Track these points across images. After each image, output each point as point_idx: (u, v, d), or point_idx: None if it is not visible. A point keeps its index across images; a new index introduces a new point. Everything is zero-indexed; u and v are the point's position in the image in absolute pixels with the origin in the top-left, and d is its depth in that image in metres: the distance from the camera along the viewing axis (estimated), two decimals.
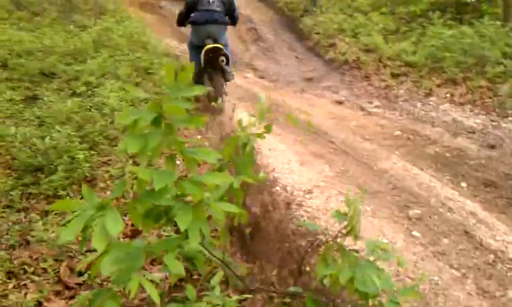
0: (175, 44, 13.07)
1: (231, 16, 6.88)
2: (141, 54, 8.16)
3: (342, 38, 11.43)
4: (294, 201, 4.61)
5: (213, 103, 6.10)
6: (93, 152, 4.54)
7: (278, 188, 4.89)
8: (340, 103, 8.77)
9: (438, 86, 8.34)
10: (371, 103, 8.48)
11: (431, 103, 7.93)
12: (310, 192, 4.83)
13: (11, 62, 6.73)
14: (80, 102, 5.40)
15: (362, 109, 8.26)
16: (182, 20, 6.91)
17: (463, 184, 5.18)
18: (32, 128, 4.74)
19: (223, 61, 6.49)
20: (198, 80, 6.35)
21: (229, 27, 7.06)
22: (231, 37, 13.59)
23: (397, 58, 9.79)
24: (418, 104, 7.97)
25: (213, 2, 6.46)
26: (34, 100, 5.73)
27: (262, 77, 11.04)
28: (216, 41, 6.49)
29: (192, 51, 6.85)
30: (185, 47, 12.95)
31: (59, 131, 4.42)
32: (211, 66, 6.50)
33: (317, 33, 12.23)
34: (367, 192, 4.80)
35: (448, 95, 8.13)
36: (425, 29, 10.44)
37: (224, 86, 6.76)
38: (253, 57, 12.35)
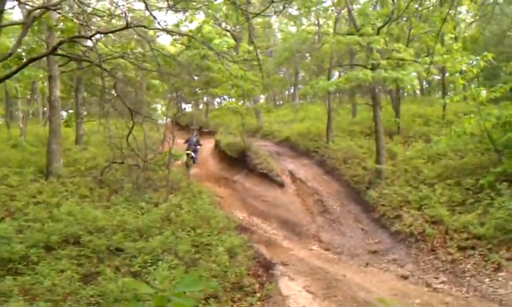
0: (243, 216, 13.74)
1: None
2: (203, 230, 8.70)
3: (407, 210, 11.47)
4: None
5: None
6: None
7: None
8: (405, 278, 8.54)
9: (508, 259, 7.91)
10: (437, 278, 8.17)
11: (500, 278, 7.48)
12: None
13: (83, 240, 7.48)
14: (133, 281, 5.81)
15: (428, 284, 7.96)
16: None
17: None
18: None
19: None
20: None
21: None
22: (298, 209, 14.19)
23: (463, 230, 9.56)
24: (486, 280, 7.55)
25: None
26: (96, 276, 6.25)
27: (327, 249, 11.11)
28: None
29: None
30: (254, 219, 13.65)
31: None
32: None
33: (383, 205, 12.38)
34: None
35: None
36: (493, 200, 10.24)
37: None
38: (319, 228, 12.58)
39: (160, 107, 45.36)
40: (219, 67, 14.48)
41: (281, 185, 16.13)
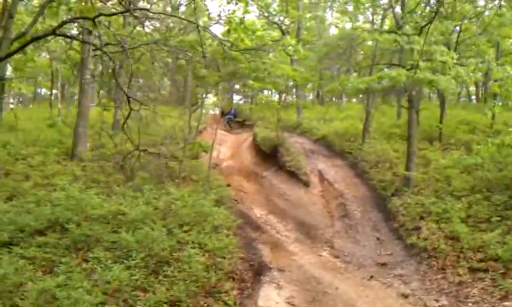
0: (261, 214, 13.41)
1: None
2: (196, 227, 8.47)
3: (427, 222, 10.67)
4: None
5: None
6: None
7: None
8: (405, 296, 7.93)
9: None
10: (438, 300, 7.50)
11: None
12: None
13: (70, 227, 7.47)
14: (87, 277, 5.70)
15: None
16: None
17: None
18: None
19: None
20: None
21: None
22: (319, 211, 13.68)
23: (481, 250, 8.73)
24: None
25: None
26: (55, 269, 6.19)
27: (336, 257, 10.57)
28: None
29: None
30: (271, 217, 13.31)
31: None
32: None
33: (403, 215, 11.64)
34: None
35: None
36: None
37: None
38: (334, 234, 12.03)
39: (211, 96, 45.92)
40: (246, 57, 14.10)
41: (306, 184, 15.66)
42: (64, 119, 20.13)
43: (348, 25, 32.74)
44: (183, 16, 13.20)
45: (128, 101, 9.93)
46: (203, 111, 39.17)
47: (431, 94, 31.05)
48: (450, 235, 9.75)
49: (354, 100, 31.70)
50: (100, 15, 8.69)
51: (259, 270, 8.64)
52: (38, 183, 10.68)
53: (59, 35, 9.37)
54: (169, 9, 30.66)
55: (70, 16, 9.40)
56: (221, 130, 30.05)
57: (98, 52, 15.45)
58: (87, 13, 9.02)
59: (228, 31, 15.74)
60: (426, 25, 13.86)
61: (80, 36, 14.29)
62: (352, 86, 13.84)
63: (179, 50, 16.25)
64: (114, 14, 9.05)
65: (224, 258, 8.00)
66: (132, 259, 6.68)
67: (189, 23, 14.29)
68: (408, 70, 13.14)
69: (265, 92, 24.44)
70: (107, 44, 15.94)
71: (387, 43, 14.73)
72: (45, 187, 10.30)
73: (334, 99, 36.88)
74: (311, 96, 38.57)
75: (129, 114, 10.56)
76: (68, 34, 14.65)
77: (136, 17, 10.25)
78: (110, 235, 7.63)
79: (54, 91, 27.28)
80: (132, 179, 12.10)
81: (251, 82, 20.20)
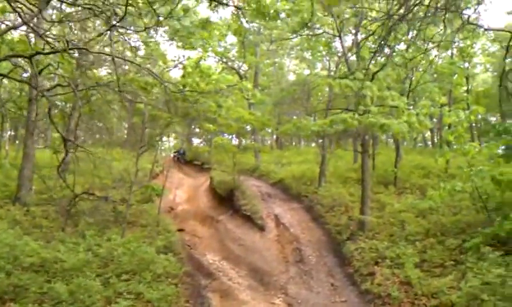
0: (214, 260, 12.82)
1: None
2: (135, 276, 7.90)
3: (381, 267, 10.42)
4: None
5: None
6: None
7: None
8: None
9: None
10: None
11: None
12: None
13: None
14: None
15: None
16: None
17: None
18: None
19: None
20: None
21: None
22: (274, 256, 13.24)
23: (435, 296, 8.48)
24: None
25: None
26: None
27: (290, 304, 10.09)
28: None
29: None
30: (224, 263, 12.75)
31: None
32: None
33: (358, 260, 11.35)
34: None
35: None
36: (476, 263, 9.14)
37: None
38: (289, 280, 11.57)
39: (170, 140, 45.52)
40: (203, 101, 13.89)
41: (262, 229, 15.25)
42: (12, 162, 19.18)
43: (307, 72, 33.43)
44: (126, 58, 12.72)
45: (65, 144, 9.39)
46: (162, 154, 38.61)
47: (388, 139, 31.71)
48: (404, 281, 9.52)
49: (313, 144, 31.93)
50: (37, 53, 8.27)
51: None
52: None
53: (4, 76, 8.89)
54: (128, 53, 30.50)
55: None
56: (179, 174, 29.55)
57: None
58: (23, 51, 8.62)
59: (183, 75, 15.60)
60: (377, 72, 14.19)
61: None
62: (305, 128, 13.76)
63: (131, 93, 15.90)
64: (51, 52, 8.60)
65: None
66: None
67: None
68: (360, 114, 13.23)
69: (225, 135, 24.30)
70: (56, 85, 15.47)
71: (341, 87, 14.86)
72: None
73: (293, 143, 37.09)
74: (269, 141, 38.70)
75: (65, 156, 10.01)
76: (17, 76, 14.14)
77: (80, 56, 9.85)
78: (42, 285, 6.95)
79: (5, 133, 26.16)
80: (77, 224, 11.39)
81: (207, 125, 20.00)
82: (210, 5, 14.40)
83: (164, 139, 45.47)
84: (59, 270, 7.96)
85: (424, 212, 13.41)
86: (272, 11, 16.54)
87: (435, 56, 21.38)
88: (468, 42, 22.16)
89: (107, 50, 22.07)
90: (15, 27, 8.86)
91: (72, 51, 8.65)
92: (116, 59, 13.23)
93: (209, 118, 18.93)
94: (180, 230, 15.13)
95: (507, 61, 13.38)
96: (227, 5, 15.04)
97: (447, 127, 19.21)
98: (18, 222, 11.23)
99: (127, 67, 19.68)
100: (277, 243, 14.44)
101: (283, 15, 18.13)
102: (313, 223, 15.44)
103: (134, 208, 14.65)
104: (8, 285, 6.81)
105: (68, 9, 16.82)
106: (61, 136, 9.66)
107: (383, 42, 14.37)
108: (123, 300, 6.84)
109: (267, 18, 18.29)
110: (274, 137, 35.57)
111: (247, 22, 21.20)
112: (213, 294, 9.95)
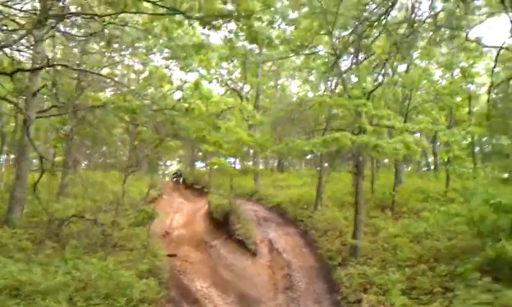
0: (202, 286, 12.49)
1: None
2: (110, 301, 7.66)
3: (369, 294, 10.05)
4: None
5: None
6: None
7: None
8: None
9: None
10: None
11: None
12: None
13: None
14: None
15: None
16: None
17: None
18: None
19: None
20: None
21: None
22: (264, 282, 12.91)
23: None
24: None
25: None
26: None
27: None
28: None
29: None
30: (212, 290, 12.43)
31: None
32: None
33: (346, 287, 10.98)
34: None
35: None
36: (466, 290, 8.74)
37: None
38: None
39: (173, 164, 45.51)
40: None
41: (254, 254, 14.95)
42: (8, 184, 19.17)
43: (310, 94, 33.33)
44: (114, 78, 12.69)
45: (41, 161, 9.29)
46: (166, 179, 38.59)
47: (391, 163, 31.25)
48: None
49: (318, 168, 31.62)
50: (18, 70, 8.26)
51: None
52: None
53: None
54: (133, 75, 30.79)
55: None
56: (179, 198, 29.38)
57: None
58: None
59: (182, 98, 15.57)
60: (373, 90, 14.02)
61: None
62: (296, 148, 13.53)
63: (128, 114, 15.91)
64: (33, 69, 8.58)
65: None
66: None
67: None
68: (355, 134, 13.01)
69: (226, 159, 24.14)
70: (52, 107, 15.51)
71: (337, 106, 14.76)
72: None
73: (296, 167, 36.82)
74: (271, 164, 38.48)
75: (41, 175, 9.88)
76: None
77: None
78: None
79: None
80: (64, 247, 11.25)
81: (205, 146, 19.86)
82: (203, 28, 14.49)
83: (168, 163, 45.62)
84: (32, 292, 7.78)
85: (419, 237, 13.01)
86: (265, 38, 16.59)
87: (439, 77, 21.27)
88: (471, 61, 21.94)
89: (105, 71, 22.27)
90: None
91: (51, 68, 8.58)
92: (107, 79, 13.32)
93: (206, 139, 18.86)
94: (172, 255, 14.87)
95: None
96: (219, 28, 15.11)
97: (445, 146, 18.87)
98: (2, 245, 11.07)
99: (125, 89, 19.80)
100: (268, 269, 14.12)
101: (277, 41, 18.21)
102: (307, 248, 15.10)
103: (125, 231, 14.46)
104: None
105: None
106: (38, 156, 9.54)
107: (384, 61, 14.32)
108: None
109: (261, 44, 18.39)
110: (276, 160, 35.42)
111: (246, 43, 21.38)
112: None
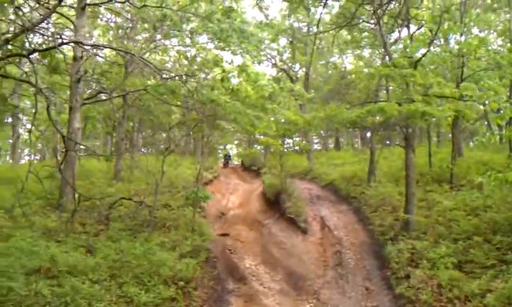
0: (250, 264, 12.55)
1: None
2: (140, 280, 7.83)
3: (419, 269, 9.63)
4: None
5: None
6: None
7: None
8: None
9: None
10: None
11: None
12: None
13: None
14: None
15: None
16: None
17: None
18: None
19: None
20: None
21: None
22: (313, 259, 12.77)
23: (470, 299, 7.64)
24: None
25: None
26: None
27: None
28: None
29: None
30: (260, 268, 12.46)
31: None
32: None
33: (396, 262, 10.57)
34: None
35: None
36: None
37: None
38: (324, 284, 11.07)
39: (231, 147, 46.01)
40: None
41: (304, 232, 14.79)
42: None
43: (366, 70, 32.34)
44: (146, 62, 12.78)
45: (65, 143, 9.58)
46: (217, 160, 39.14)
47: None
48: (440, 284, 8.68)
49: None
50: (34, 50, 8.51)
51: None
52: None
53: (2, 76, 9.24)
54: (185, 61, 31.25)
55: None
56: (236, 180, 29.65)
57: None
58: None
59: (222, 79, 15.57)
60: (419, 59, 13.28)
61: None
62: (339, 116, 13.10)
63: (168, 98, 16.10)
64: (47, 49, 8.80)
65: None
66: None
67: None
68: (399, 104, 12.42)
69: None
70: (98, 93, 16.05)
71: (381, 76, 14.13)
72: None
73: (355, 145, 36.03)
74: (328, 143, 37.83)
75: (65, 156, 10.20)
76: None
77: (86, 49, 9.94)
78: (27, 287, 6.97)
79: None
80: (108, 229, 11.69)
81: (251, 127, 19.85)
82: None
83: (228, 146, 46.18)
84: (63, 273, 7.99)
85: (477, 210, 12.27)
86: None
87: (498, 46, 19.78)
88: None
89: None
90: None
91: (62, 47, 8.74)
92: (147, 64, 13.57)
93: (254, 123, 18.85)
94: (225, 234, 15.10)
95: None
96: None
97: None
98: (52, 230, 11.45)
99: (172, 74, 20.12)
100: (319, 246, 13.93)
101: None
102: (359, 225, 14.72)
103: (174, 212, 14.78)
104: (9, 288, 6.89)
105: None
106: (61, 137, 9.84)
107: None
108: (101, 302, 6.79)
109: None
110: (335, 139, 34.78)
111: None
112: (237, 299, 9.74)
